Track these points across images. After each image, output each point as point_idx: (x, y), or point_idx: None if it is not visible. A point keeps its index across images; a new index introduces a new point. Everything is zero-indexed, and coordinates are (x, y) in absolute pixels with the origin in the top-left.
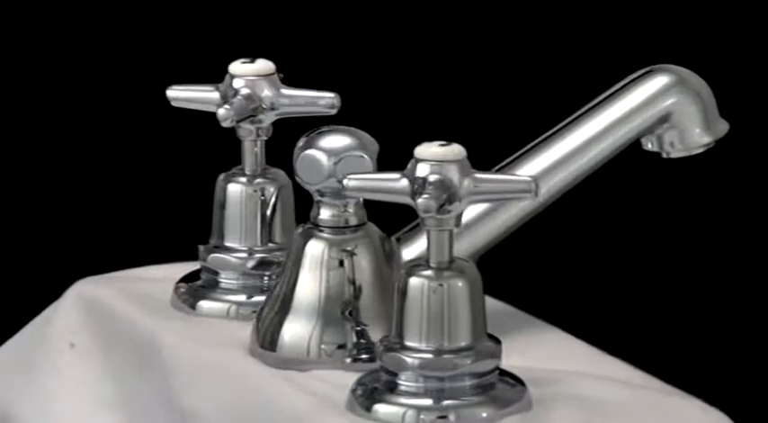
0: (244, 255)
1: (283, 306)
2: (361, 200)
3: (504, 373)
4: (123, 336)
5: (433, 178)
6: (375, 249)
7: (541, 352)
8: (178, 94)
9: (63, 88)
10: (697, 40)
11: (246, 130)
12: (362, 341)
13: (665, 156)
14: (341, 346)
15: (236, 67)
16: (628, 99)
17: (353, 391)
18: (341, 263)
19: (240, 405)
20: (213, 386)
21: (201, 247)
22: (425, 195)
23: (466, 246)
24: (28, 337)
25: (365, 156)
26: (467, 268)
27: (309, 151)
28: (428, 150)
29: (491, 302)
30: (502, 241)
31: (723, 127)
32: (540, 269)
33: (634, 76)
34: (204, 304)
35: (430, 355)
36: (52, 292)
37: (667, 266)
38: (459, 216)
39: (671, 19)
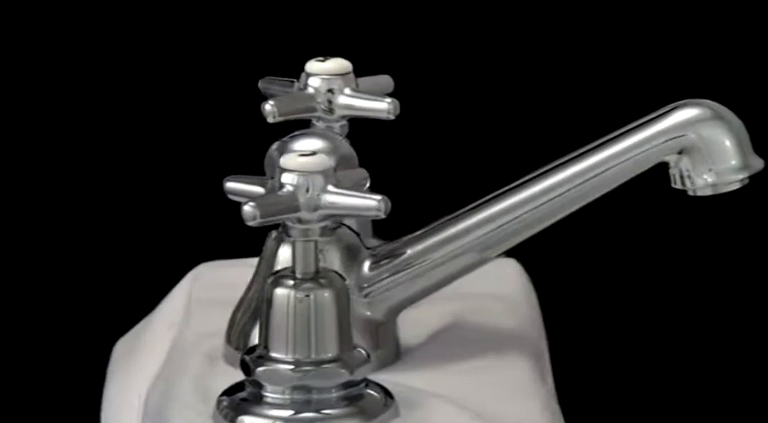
0: None
1: (256, 310)
2: None
3: (377, 386)
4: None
5: (287, 188)
6: (340, 255)
7: (476, 377)
8: (266, 85)
9: (164, 87)
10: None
11: (318, 129)
12: None
13: (690, 193)
14: None
15: (310, 64)
16: (651, 128)
17: (219, 402)
18: None
19: (161, 397)
20: (168, 380)
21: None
22: (251, 203)
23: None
24: (149, 319)
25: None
26: (334, 279)
27: (273, 153)
28: (292, 160)
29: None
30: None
31: (757, 163)
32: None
33: (666, 108)
34: None
35: (290, 366)
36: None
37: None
38: (324, 228)
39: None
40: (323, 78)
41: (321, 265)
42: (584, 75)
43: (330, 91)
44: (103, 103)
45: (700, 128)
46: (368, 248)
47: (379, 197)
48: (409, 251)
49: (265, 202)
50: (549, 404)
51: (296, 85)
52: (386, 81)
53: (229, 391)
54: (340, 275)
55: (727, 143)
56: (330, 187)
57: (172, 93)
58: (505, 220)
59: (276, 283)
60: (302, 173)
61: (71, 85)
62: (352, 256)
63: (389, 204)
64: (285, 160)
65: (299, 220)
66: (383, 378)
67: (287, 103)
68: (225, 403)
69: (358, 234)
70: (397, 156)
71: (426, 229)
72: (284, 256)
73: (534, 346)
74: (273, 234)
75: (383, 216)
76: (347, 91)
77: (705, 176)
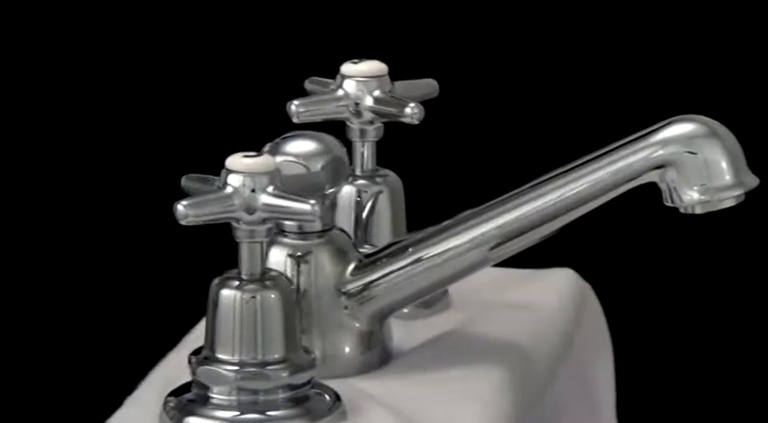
0: None
1: None
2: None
3: (326, 388)
4: None
5: (228, 189)
6: (329, 257)
7: (441, 386)
8: (310, 86)
9: (218, 84)
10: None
11: (354, 132)
12: None
13: (682, 210)
14: None
15: (345, 66)
16: (643, 141)
17: (166, 402)
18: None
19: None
20: (150, 377)
21: None
22: (183, 202)
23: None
24: None
25: (302, 162)
26: (279, 281)
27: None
28: (237, 161)
29: None
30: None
31: (752, 180)
32: None
33: (660, 124)
34: None
35: (233, 368)
36: None
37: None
38: (269, 230)
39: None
40: (356, 80)
41: (312, 266)
42: (592, 89)
43: (356, 95)
44: (160, 109)
45: (693, 143)
46: (358, 252)
47: (313, 201)
48: (388, 260)
49: (199, 201)
50: (499, 417)
51: (330, 86)
52: (427, 85)
53: (177, 392)
54: (286, 278)
55: (721, 160)
56: (270, 189)
57: (225, 91)
58: (482, 234)
59: (222, 285)
60: (245, 174)
61: (116, 88)
62: (341, 258)
63: (323, 209)
64: (230, 161)
65: (238, 221)
66: (354, 382)
67: (312, 104)
68: (171, 404)
69: (350, 236)
70: (434, 160)
71: (408, 238)
72: (274, 258)
73: (525, 356)
74: None
75: (317, 221)
76: (376, 93)
77: (696, 190)
